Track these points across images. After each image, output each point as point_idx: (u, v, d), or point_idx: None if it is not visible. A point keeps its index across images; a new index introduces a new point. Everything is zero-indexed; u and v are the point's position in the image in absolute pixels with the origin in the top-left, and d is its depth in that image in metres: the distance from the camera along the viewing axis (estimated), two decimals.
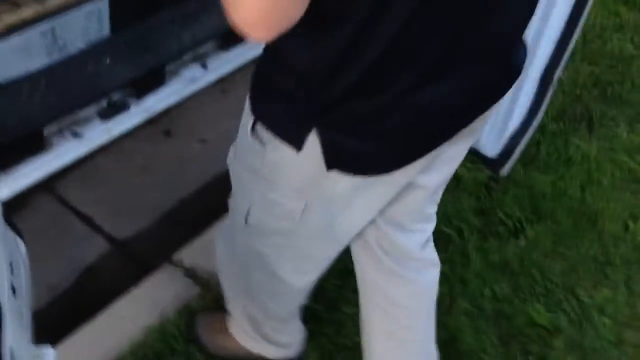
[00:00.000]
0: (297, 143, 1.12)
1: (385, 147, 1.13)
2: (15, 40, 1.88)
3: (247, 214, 1.31)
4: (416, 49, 1.03)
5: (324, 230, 1.29)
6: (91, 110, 2.04)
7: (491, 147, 1.62)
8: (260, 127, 1.17)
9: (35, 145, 1.90)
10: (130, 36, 2.11)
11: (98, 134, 2.02)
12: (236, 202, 1.37)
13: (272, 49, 1.12)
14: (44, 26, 1.92)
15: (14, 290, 1.16)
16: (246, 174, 1.26)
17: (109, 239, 2.10)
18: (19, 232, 1.26)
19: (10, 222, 1.23)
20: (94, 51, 2.03)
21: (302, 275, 1.45)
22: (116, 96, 2.09)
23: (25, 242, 1.27)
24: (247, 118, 1.20)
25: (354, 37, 1.01)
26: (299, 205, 1.23)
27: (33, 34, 1.91)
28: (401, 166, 1.16)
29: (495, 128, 1.59)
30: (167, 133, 2.40)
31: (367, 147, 1.12)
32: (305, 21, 0.95)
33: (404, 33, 1.00)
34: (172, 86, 2.22)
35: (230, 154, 1.33)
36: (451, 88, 1.11)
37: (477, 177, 2.30)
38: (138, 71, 2.10)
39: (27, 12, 1.92)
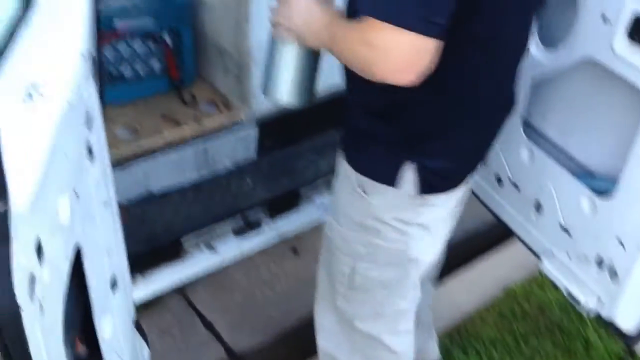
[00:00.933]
0: (392, 178, 1.25)
1: (459, 166, 1.32)
2: (173, 155, 2.08)
3: (352, 272, 1.40)
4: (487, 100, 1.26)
5: (421, 266, 1.41)
6: (227, 225, 2.16)
7: (627, 320, 1.50)
8: (360, 179, 1.30)
9: (173, 253, 2.03)
10: (273, 160, 2.27)
11: (231, 248, 2.12)
12: (336, 268, 1.45)
13: (358, 103, 1.28)
14: (198, 145, 2.12)
15: None
16: (351, 232, 1.37)
17: (227, 349, 2.13)
18: (145, 337, 1.35)
19: (138, 327, 1.32)
20: (239, 171, 2.19)
21: (399, 336, 1.50)
22: (251, 215, 2.21)
23: (149, 346, 1.35)
24: (343, 178, 1.34)
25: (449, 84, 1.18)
26: (402, 246, 1.34)
27: (188, 151, 2.11)
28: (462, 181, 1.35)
29: (631, 301, 1.48)
30: (295, 251, 2.45)
31: (449, 167, 1.28)
32: None
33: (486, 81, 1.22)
34: (304, 210, 2.31)
35: (331, 225, 1.43)
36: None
37: (610, 348, 2.11)
38: (275, 193, 2.22)
39: (186, 131, 2.12)
